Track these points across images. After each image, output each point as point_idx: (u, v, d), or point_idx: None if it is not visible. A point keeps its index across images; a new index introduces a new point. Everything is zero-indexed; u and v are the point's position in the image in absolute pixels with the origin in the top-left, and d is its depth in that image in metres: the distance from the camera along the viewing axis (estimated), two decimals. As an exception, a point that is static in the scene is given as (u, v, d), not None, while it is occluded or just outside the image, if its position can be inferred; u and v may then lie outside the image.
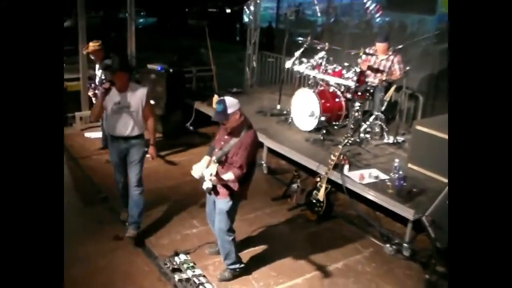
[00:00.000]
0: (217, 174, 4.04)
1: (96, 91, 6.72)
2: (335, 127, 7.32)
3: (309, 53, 7.66)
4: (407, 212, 5.02)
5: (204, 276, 4.57)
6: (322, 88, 7.41)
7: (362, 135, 6.91)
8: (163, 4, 22.82)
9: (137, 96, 4.86)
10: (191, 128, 8.54)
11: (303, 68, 7.56)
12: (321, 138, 6.85)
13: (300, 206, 6.00)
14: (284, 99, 8.17)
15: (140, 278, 4.55)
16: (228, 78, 11.13)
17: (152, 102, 5.85)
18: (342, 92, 7.25)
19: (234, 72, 12.33)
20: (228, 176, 4.10)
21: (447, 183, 4.83)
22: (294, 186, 6.24)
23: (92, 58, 7.08)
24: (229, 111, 4.04)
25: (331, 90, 7.34)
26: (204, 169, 4.25)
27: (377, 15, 10.63)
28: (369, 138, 7.00)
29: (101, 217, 5.58)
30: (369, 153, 6.54)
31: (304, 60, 7.60)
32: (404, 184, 5.36)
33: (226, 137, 4.25)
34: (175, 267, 4.65)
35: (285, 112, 7.90)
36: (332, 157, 5.64)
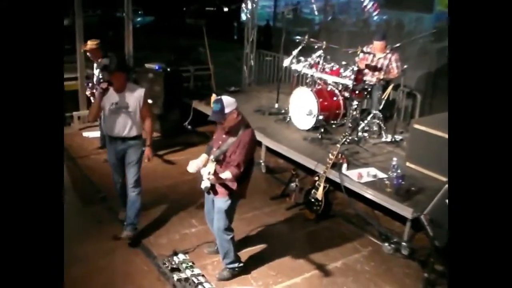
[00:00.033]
0: (215, 173, 4.04)
1: (94, 91, 6.70)
2: (333, 126, 7.32)
3: (307, 51, 7.66)
4: (406, 211, 5.03)
5: (203, 275, 4.56)
6: (320, 86, 7.42)
7: (360, 133, 6.91)
8: (160, 3, 22.81)
9: (135, 97, 4.85)
10: (189, 127, 8.54)
11: (300, 67, 7.56)
12: (319, 137, 6.86)
13: (299, 205, 6.00)
14: (282, 98, 8.17)
15: (139, 277, 4.55)
16: (226, 77, 11.14)
17: (150, 101, 5.84)
18: (340, 91, 7.26)
19: (232, 70, 12.34)
20: (226, 175, 4.10)
21: (445, 181, 4.85)
22: (293, 185, 6.25)
23: (90, 56, 7.06)
24: (227, 110, 4.04)
25: (329, 88, 7.35)
26: (200, 163, 4.29)
27: (375, 13, 10.65)
28: (367, 137, 7.01)
29: (100, 217, 5.58)
30: (367, 151, 6.54)
31: (302, 58, 7.60)
32: (403, 182, 5.36)
33: (224, 136, 4.25)
34: (174, 266, 4.65)
35: (283, 111, 7.90)
36: (330, 156, 5.64)
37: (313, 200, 5.73)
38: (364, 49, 7.05)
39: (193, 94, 9.10)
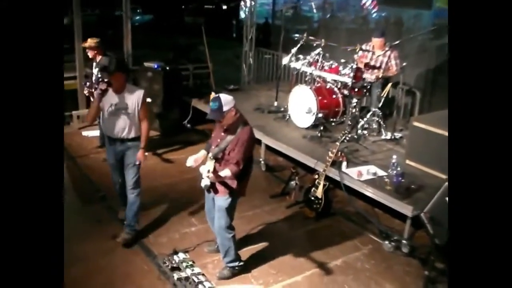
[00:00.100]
0: (214, 171, 4.04)
1: (92, 90, 6.69)
2: (333, 124, 7.31)
3: (306, 49, 7.65)
4: (406, 209, 5.02)
5: (203, 274, 4.56)
6: (319, 84, 7.41)
7: (359, 131, 6.90)
8: (159, 1, 22.79)
9: (134, 98, 4.83)
10: (188, 125, 8.54)
11: (299, 65, 7.55)
12: (319, 135, 6.85)
13: (299, 204, 6.01)
14: (281, 96, 8.17)
15: (139, 277, 4.55)
16: (225, 75, 11.13)
17: (149, 99, 5.82)
18: (339, 89, 7.25)
19: (231, 69, 12.33)
20: (225, 172, 4.10)
21: (445, 179, 4.84)
22: (292, 183, 6.24)
23: (89, 55, 7.03)
24: (225, 108, 4.03)
25: (328, 86, 7.34)
26: (198, 157, 4.31)
27: (373, 10, 10.65)
28: (367, 135, 7.00)
29: (100, 216, 5.57)
30: (367, 149, 6.54)
31: (301, 56, 7.59)
32: (402, 180, 5.36)
33: (222, 134, 4.25)
34: (174, 265, 4.64)
35: (282, 109, 7.90)
36: (330, 153, 5.63)
37: (313, 198, 5.72)
38: (363, 47, 7.03)
39: (192, 93, 9.09)
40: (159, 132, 8.31)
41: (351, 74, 6.86)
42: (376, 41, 7.09)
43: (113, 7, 17.10)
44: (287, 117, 7.59)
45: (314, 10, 13.31)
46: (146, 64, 8.58)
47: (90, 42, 6.86)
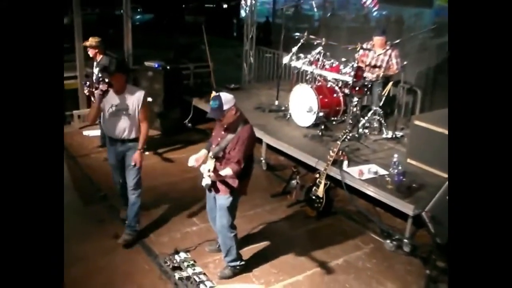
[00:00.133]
0: (215, 170, 4.03)
1: (93, 89, 6.67)
2: (334, 123, 7.31)
3: (306, 48, 7.64)
4: (407, 208, 5.02)
5: (204, 274, 4.56)
6: (320, 83, 7.40)
7: (360, 130, 6.89)
8: (159, 1, 22.76)
9: (134, 99, 4.81)
10: (189, 125, 8.53)
11: (300, 63, 7.54)
12: (320, 133, 6.84)
13: (300, 203, 6.00)
14: (282, 95, 8.16)
15: (141, 276, 4.54)
16: (225, 74, 11.12)
17: (149, 99, 5.81)
18: (340, 88, 7.24)
19: (232, 67, 12.32)
20: (226, 171, 4.10)
21: (446, 178, 4.83)
22: (293, 182, 6.23)
23: (90, 54, 7.03)
24: (225, 107, 4.03)
25: (329, 85, 7.34)
26: (199, 156, 4.31)
27: (374, 8, 10.63)
28: (368, 133, 6.99)
29: (101, 216, 5.57)
30: (368, 148, 6.53)
31: (302, 55, 7.58)
32: (404, 179, 5.35)
33: (222, 133, 4.24)
34: (176, 265, 4.64)
35: (283, 108, 7.89)
36: (331, 153, 5.62)
37: (314, 197, 5.71)
38: (364, 45, 7.02)
39: (193, 92, 9.08)
40: (160, 131, 8.31)
41: (352, 73, 6.85)
42: (377, 39, 7.08)
43: (113, 6, 17.07)
44: (288, 116, 7.58)
45: (315, 9, 13.27)
46: (146, 63, 8.58)
47: (92, 41, 6.86)
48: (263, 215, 5.78)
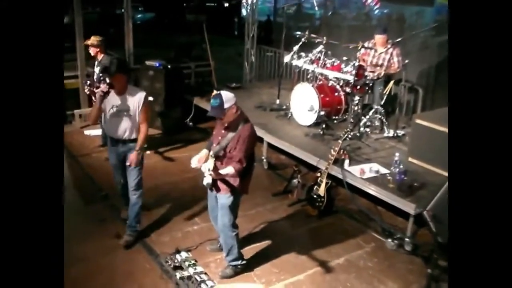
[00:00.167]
0: (216, 169, 4.03)
1: (94, 89, 6.66)
2: (335, 122, 7.31)
3: (308, 47, 7.63)
4: (408, 207, 5.01)
5: (205, 273, 4.56)
6: (321, 82, 7.39)
7: (362, 129, 6.88)
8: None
9: (135, 99, 4.80)
10: (190, 124, 8.53)
11: (301, 62, 7.53)
12: (321, 132, 6.84)
13: (301, 202, 5.99)
14: (283, 93, 8.16)
15: (141, 276, 4.54)
16: (226, 73, 11.11)
17: (150, 98, 5.81)
18: (341, 86, 7.23)
19: (233, 66, 12.32)
20: (228, 170, 4.09)
21: (447, 177, 4.82)
22: (295, 181, 6.22)
23: (91, 52, 7.02)
24: (226, 105, 4.01)
25: (330, 84, 7.33)
26: (200, 156, 4.30)
27: (375, 7, 10.60)
28: (369, 132, 6.99)
29: (102, 215, 5.56)
30: (369, 147, 6.52)
31: (303, 54, 7.58)
32: (405, 178, 5.34)
33: (223, 131, 4.23)
34: (177, 264, 4.63)
35: (284, 107, 7.88)
36: (332, 151, 5.62)
37: (315, 196, 5.71)
38: (365, 44, 7.01)
39: (194, 91, 9.09)
40: (161, 130, 8.31)
41: (353, 72, 6.84)
42: (379, 38, 7.06)
43: (114, 5, 17.08)
44: (289, 115, 7.58)
45: (316, 8, 13.24)
46: (147, 62, 8.57)
47: (93, 39, 6.86)
48: (264, 214, 5.78)
